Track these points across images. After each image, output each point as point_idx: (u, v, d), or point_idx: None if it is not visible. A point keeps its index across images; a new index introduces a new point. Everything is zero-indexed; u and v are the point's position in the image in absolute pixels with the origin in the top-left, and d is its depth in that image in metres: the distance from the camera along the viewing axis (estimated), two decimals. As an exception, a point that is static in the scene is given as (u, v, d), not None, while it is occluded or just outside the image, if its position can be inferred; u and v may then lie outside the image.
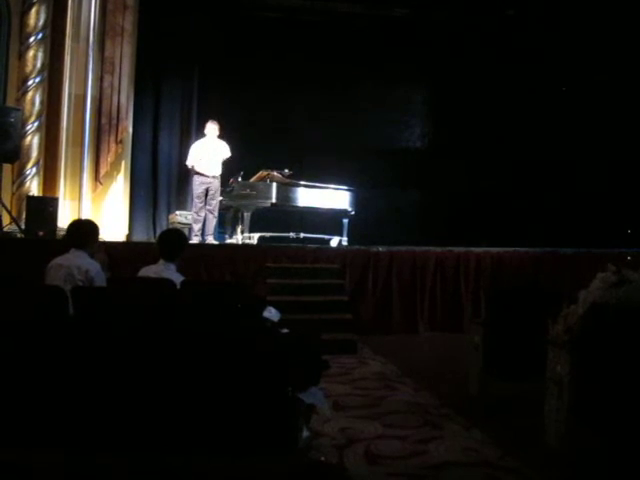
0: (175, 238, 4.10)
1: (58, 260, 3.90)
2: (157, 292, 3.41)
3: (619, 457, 2.88)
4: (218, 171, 8.02)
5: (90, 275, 3.75)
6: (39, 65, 7.69)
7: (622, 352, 2.96)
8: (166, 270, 3.80)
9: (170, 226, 8.68)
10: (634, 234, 9.36)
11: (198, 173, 7.93)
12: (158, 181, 9.65)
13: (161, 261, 3.89)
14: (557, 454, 3.24)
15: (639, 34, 9.27)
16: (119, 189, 8.56)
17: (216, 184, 8.00)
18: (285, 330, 2.99)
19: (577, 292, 3.44)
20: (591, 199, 9.97)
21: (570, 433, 3.14)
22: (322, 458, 2.95)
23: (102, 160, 8.22)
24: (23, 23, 7.66)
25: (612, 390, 2.96)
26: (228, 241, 8.75)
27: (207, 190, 7.92)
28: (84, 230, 4.10)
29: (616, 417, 2.93)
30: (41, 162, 7.77)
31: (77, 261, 3.81)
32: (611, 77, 9.86)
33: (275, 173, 8.56)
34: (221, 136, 8.22)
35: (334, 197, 9.02)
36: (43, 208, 7.04)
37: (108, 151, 8.27)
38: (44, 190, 7.79)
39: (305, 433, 2.20)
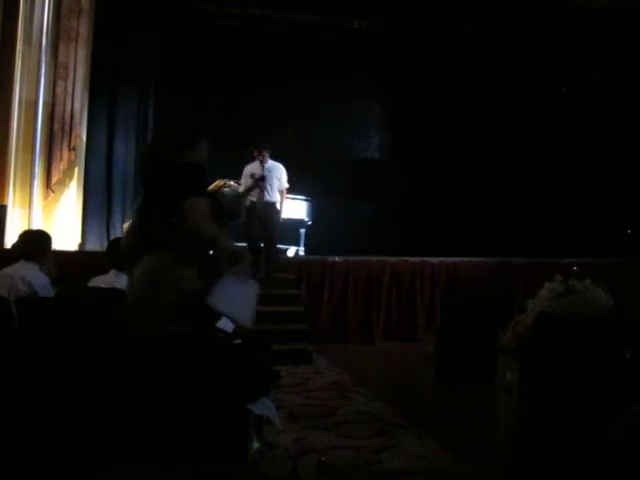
0: None
1: (6, 270, 3.78)
2: (107, 303, 3.34)
3: (565, 460, 2.95)
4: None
5: (33, 288, 3.63)
6: (-13, 68, 7.48)
7: (567, 359, 3.04)
8: (118, 280, 3.71)
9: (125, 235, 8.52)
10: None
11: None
12: (112, 189, 9.46)
13: (112, 271, 3.80)
14: (507, 459, 3.30)
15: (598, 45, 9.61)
16: (72, 197, 8.36)
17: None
18: (238, 341, 2.97)
19: (527, 301, 3.52)
20: (542, 210, 10.26)
21: (519, 438, 3.20)
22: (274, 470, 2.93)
23: (54, 167, 8.00)
24: (-30, 24, 7.44)
25: (558, 395, 3.03)
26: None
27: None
28: (35, 241, 3.97)
29: (561, 421, 3.00)
30: (-11, 168, 7.54)
31: (22, 272, 3.69)
32: (567, 88, 10.19)
33: (232, 182, 8.50)
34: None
35: (291, 207, 9.02)
36: (-10, 216, 6.83)
37: (61, 158, 8.06)
38: (-8, 197, 7.56)
39: (256, 444, 2.18)
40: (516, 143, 10.51)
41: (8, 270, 3.77)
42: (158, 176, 2.52)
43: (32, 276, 3.69)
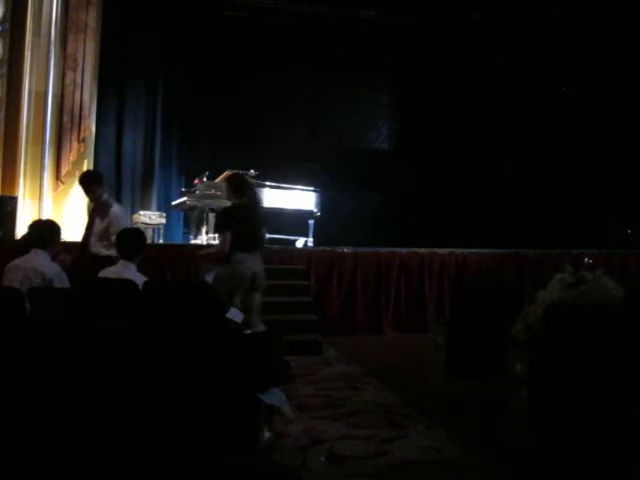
0: (133, 237, 4.04)
1: (17, 261, 3.81)
2: (118, 293, 3.36)
3: (575, 451, 2.95)
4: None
5: (47, 277, 3.67)
6: (-3, 60, 7.50)
7: (578, 349, 3.03)
8: (126, 270, 3.74)
9: (134, 226, 8.55)
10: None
11: None
12: (122, 181, 9.49)
13: (121, 261, 3.83)
14: (517, 450, 3.30)
15: (608, 35, 9.51)
16: (81, 188, 8.38)
17: None
18: (248, 331, 2.98)
19: (537, 292, 3.51)
20: (551, 201, 10.20)
21: (529, 429, 3.20)
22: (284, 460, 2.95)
23: (64, 159, 8.04)
24: (-20, 17, 7.46)
25: (569, 386, 3.02)
26: (193, 242, 8.67)
27: None
28: (45, 230, 4.02)
29: (572, 412, 3.00)
30: (-1, 160, 7.59)
31: (34, 262, 3.72)
32: (580, 79, 10.08)
33: (240, 173, 8.50)
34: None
35: (300, 198, 9.02)
36: (1, 207, 6.87)
37: (70, 150, 8.09)
38: (2, 189, 7.59)
39: (266, 434, 2.19)
40: (527, 134, 10.43)
41: (19, 261, 3.80)
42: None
43: (44, 265, 3.73)
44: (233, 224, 4.65)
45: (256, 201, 5.12)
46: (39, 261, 3.77)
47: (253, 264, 4.67)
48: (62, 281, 3.77)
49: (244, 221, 4.70)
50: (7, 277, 3.75)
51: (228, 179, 5.20)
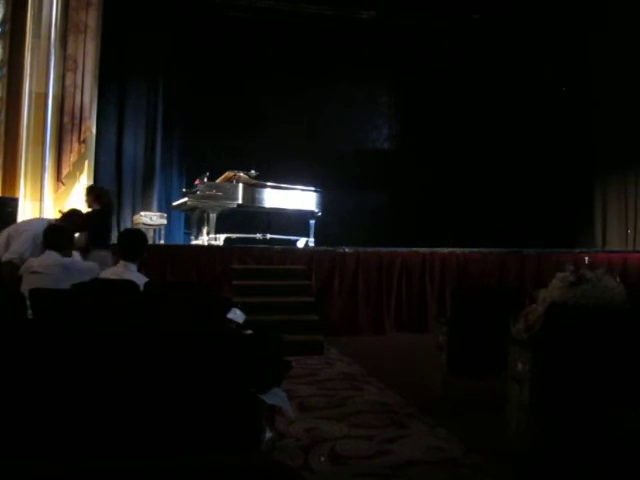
0: (135, 238, 4.05)
1: (34, 262, 3.86)
2: (119, 294, 3.36)
3: (576, 451, 2.94)
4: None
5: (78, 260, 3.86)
6: (-2, 61, 7.51)
7: (579, 349, 3.02)
8: (127, 271, 3.74)
9: (135, 227, 8.56)
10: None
11: None
12: (122, 182, 9.50)
13: (121, 262, 3.83)
14: (518, 450, 3.29)
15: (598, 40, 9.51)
16: (82, 189, 8.39)
17: None
18: (249, 331, 2.98)
19: (538, 291, 3.49)
20: (553, 201, 10.19)
21: (530, 430, 3.19)
22: (286, 460, 2.94)
23: (64, 160, 8.04)
24: (-20, 18, 7.46)
25: (570, 386, 3.02)
26: (194, 242, 8.68)
27: None
28: (62, 235, 4.09)
29: (573, 412, 2.99)
30: (0, 161, 7.58)
31: (58, 259, 3.82)
32: (580, 79, 10.07)
33: (241, 174, 8.52)
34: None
35: (301, 198, 9.02)
36: (2, 209, 6.88)
37: (71, 151, 8.10)
38: (3, 190, 7.60)
39: (268, 434, 2.18)
40: (527, 133, 10.42)
41: (36, 262, 3.84)
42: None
43: (64, 258, 3.82)
44: (91, 226, 5.47)
45: (111, 208, 6.17)
46: (59, 257, 3.85)
47: (109, 259, 5.39)
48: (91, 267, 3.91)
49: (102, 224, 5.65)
50: (26, 278, 3.76)
51: (88, 190, 6.10)
